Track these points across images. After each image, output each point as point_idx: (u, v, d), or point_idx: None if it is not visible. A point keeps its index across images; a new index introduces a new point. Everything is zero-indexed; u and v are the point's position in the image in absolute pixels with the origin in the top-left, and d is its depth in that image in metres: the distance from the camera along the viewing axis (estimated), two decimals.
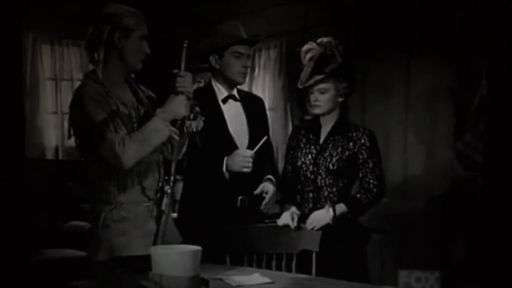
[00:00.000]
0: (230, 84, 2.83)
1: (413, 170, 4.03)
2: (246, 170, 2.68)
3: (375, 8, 4.19)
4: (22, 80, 3.24)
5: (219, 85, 2.84)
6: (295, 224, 2.63)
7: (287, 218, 2.66)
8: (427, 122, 3.96)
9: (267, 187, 2.75)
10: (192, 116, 2.34)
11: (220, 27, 2.83)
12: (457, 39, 3.77)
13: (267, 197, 2.74)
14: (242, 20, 2.91)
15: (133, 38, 2.28)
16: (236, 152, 2.71)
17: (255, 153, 2.69)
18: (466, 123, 3.77)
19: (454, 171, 3.79)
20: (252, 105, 2.91)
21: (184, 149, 2.41)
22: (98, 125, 2.17)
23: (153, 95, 2.43)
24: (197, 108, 2.36)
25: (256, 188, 2.76)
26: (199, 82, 2.94)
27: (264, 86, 4.95)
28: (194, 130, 2.36)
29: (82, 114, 2.21)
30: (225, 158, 2.69)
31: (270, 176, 2.78)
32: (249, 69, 2.86)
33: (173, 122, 2.29)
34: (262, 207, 2.76)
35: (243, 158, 2.68)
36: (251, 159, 2.68)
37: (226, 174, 2.71)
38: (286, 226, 2.64)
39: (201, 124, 2.37)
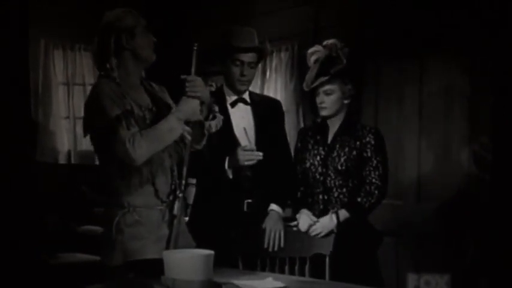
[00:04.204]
0: (233, 89, 2.83)
1: (427, 173, 4.00)
2: (247, 163, 2.69)
3: (387, 10, 4.16)
4: (29, 85, 3.28)
5: (227, 89, 2.85)
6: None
7: (306, 223, 2.66)
8: (441, 125, 3.93)
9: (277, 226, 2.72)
10: (211, 116, 2.34)
11: (226, 31, 2.83)
12: (469, 40, 3.74)
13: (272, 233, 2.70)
14: (254, 23, 2.91)
15: (139, 34, 2.30)
16: (238, 148, 2.72)
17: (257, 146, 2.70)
18: (481, 125, 3.74)
19: (469, 173, 3.75)
20: (266, 109, 2.90)
21: (204, 141, 2.39)
22: (112, 121, 2.17)
23: (167, 97, 2.42)
24: (216, 108, 2.36)
25: (262, 190, 2.76)
26: (211, 86, 2.93)
27: (275, 88, 4.94)
28: (214, 130, 2.36)
29: (98, 111, 2.22)
30: (227, 157, 2.70)
31: (273, 207, 2.77)
32: (250, 77, 2.82)
33: (187, 122, 2.29)
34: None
35: (243, 152, 2.68)
36: (252, 152, 2.68)
37: (229, 172, 2.71)
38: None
39: (221, 123, 2.37)
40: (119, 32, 2.26)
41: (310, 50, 2.81)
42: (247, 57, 2.78)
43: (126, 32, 2.27)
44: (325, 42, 2.78)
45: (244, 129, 2.75)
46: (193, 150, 2.37)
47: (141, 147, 2.16)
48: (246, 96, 2.88)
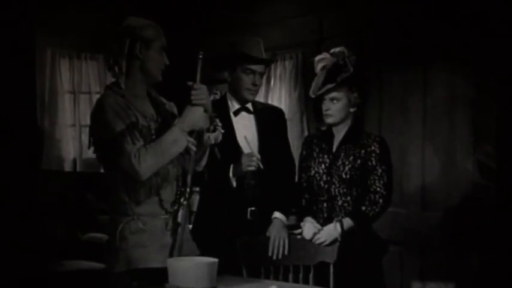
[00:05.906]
0: (239, 98, 2.84)
1: (432, 181, 3.99)
2: (250, 168, 2.70)
3: (391, 19, 4.17)
4: (35, 94, 3.31)
5: (231, 98, 2.87)
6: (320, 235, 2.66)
7: (311, 231, 2.67)
8: (445, 133, 3.92)
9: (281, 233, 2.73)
10: (212, 128, 2.35)
11: (238, 41, 2.84)
12: (473, 48, 3.74)
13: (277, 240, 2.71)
14: (258, 31, 2.92)
15: (154, 49, 2.30)
16: (242, 155, 2.74)
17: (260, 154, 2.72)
18: (485, 133, 3.73)
19: (474, 181, 3.75)
20: (268, 117, 2.91)
21: (204, 162, 2.42)
22: (117, 137, 2.18)
23: (175, 111, 2.43)
24: (217, 120, 2.37)
25: (265, 198, 2.77)
26: (215, 94, 2.94)
27: (279, 97, 4.95)
28: (213, 142, 2.36)
29: (102, 125, 2.23)
30: (231, 165, 2.72)
31: (277, 215, 2.77)
32: (259, 87, 2.86)
33: (190, 133, 2.30)
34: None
35: (246, 158, 2.70)
36: (255, 158, 2.69)
37: (233, 180, 2.72)
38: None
39: (220, 136, 2.37)
40: (136, 38, 2.27)
41: (318, 58, 2.81)
42: (260, 67, 2.80)
43: (142, 41, 2.28)
44: (332, 50, 2.79)
45: (245, 137, 2.76)
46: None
47: (147, 162, 2.17)
48: (249, 105, 2.89)
